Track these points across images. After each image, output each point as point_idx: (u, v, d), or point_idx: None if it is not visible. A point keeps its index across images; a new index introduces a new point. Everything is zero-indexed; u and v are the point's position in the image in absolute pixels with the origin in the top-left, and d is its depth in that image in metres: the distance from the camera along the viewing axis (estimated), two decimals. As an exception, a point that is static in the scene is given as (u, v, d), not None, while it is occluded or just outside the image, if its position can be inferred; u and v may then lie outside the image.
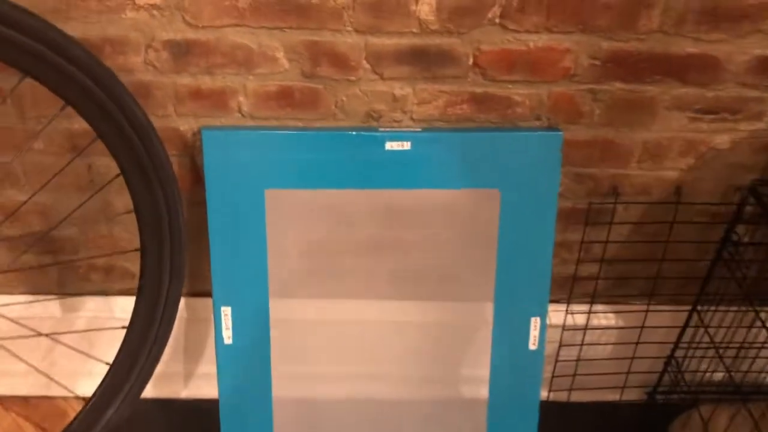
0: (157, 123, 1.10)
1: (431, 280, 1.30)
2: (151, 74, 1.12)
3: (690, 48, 1.11)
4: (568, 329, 1.38)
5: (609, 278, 1.36)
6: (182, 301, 1.30)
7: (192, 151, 1.20)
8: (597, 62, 1.12)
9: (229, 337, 1.25)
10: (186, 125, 1.17)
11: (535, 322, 1.27)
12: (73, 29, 1.05)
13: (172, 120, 1.17)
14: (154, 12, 1.06)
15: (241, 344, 1.26)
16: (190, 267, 1.32)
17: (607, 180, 1.25)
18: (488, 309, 1.27)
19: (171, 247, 1.10)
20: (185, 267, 1.14)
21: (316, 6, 1.06)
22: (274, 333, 1.27)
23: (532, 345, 1.28)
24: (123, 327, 1.13)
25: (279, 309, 1.26)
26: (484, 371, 1.31)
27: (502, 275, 1.24)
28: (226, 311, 1.23)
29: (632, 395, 1.51)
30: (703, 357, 1.43)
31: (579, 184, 1.26)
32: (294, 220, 1.22)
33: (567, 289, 1.37)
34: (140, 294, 1.12)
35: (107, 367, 1.16)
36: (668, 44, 1.11)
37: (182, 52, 1.10)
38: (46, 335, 1.22)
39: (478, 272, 1.26)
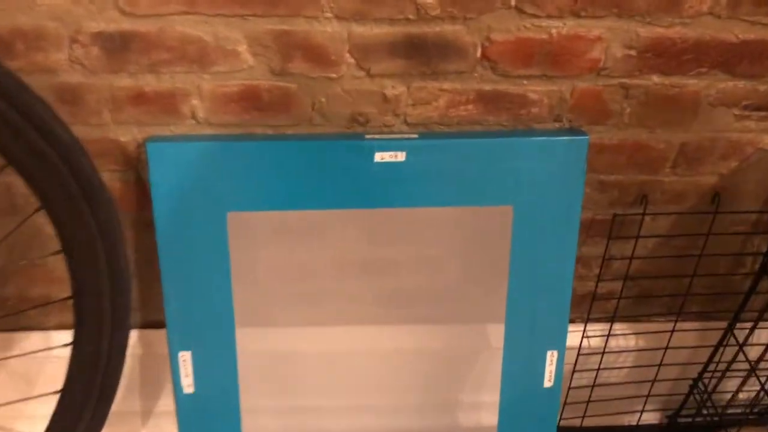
0: (91, 134, 1.01)
1: (429, 305, 1.17)
2: (79, 75, 0.98)
3: (744, 34, 1.01)
4: (584, 353, 1.26)
5: (631, 296, 1.26)
6: (134, 333, 1.19)
7: (137, 165, 1.05)
8: (632, 52, 1.02)
9: (189, 386, 1.09)
10: (128, 135, 1.03)
11: (551, 356, 1.13)
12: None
13: (109, 129, 1.02)
14: (78, -4, 0.92)
15: (204, 392, 1.11)
16: (141, 295, 1.18)
17: (634, 188, 1.14)
18: (495, 335, 1.16)
19: (111, 292, 0.90)
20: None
21: (287, -12, 0.93)
22: (244, 368, 1.12)
23: (548, 382, 1.15)
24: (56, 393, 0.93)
25: (250, 340, 1.11)
26: (489, 398, 1.20)
27: (513, 304, 1.11)
28: (185, 356, 1.08)
29: (651, 418, 1.41)
30: (736, 377, 1.33)
31: (602, 193, 1.14)
32: (263, 247, 1.08)
33: (583, 309, 1.26)
34: (75, 351, 0.91)
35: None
36: (719, 29, 1.00)
37: (117, 47, 0.96)
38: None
39: (485, 300, 1.14)
